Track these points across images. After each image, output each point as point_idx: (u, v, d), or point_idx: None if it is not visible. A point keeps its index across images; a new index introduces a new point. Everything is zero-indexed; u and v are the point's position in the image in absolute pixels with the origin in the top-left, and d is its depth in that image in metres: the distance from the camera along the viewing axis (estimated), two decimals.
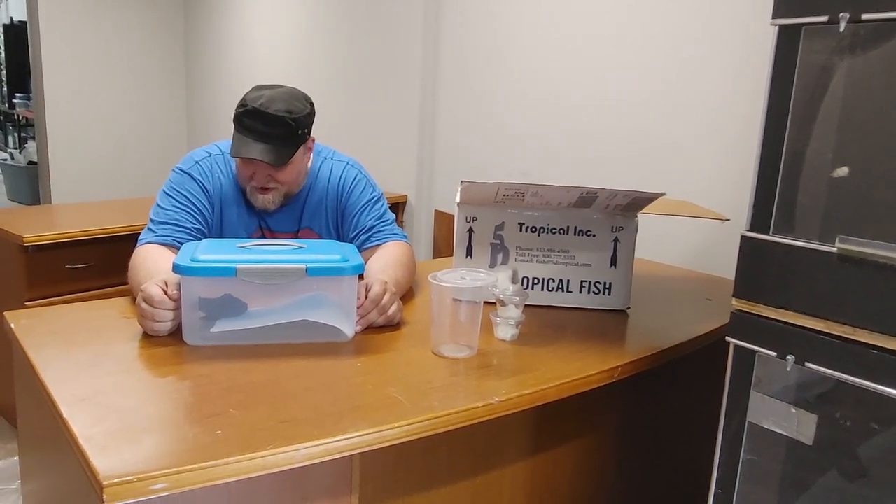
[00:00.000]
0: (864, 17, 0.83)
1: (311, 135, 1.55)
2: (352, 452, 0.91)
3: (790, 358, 0.94)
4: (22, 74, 6.28)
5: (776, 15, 0.92)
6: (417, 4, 2.94)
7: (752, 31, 1.85)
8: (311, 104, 1.52)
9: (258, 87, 1.50)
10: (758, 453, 1.02)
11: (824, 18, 0.87)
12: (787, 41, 0.91)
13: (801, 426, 0.96)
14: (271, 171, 1.48)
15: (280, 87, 1.51)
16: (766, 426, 0.99)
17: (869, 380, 0.87)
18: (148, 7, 4.77)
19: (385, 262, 1.48)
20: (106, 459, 0.80)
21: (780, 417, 0.98)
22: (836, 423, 0.96)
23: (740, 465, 1.03)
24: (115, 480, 0.76)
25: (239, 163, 1.50)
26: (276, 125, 1.43)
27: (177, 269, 1.13)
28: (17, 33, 6.39)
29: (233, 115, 1.47)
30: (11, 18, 7.25)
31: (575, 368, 1.16)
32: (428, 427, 0.96)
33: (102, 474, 0.77)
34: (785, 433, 0.98)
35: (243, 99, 1.47)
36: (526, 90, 2.56)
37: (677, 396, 1.52)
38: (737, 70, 1.91)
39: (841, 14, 0.85)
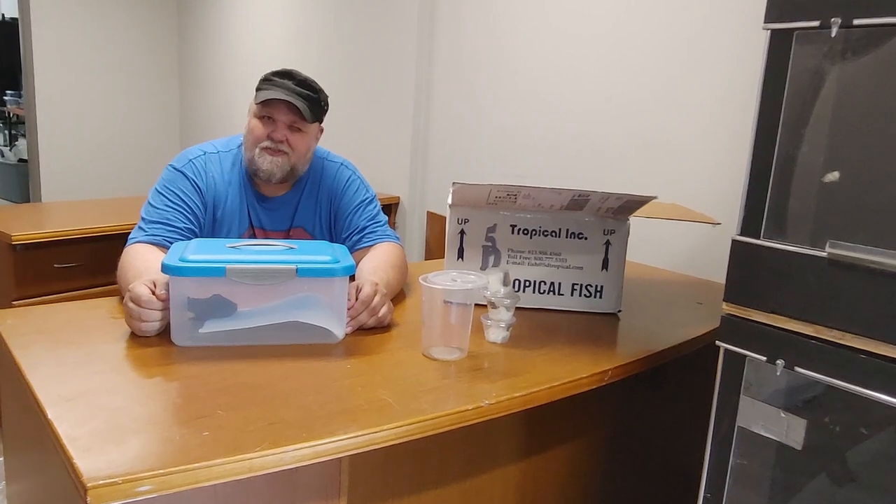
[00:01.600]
0: (856, 22, 0.84)
1: (322, 125, 1.62)
2: (341, 455, 0.91)
3: (780, 362, 0.94)
4: (13, 72, 6.23)
5: (768, 19, 0.92)
6: (412, 4, 2.94)
7: (746, 35, 1.86)
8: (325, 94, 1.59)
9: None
10: (747, 457, 1.02)
11: (816, 23, 0.87)
12: (779, 46, 0.91)
13: (790, 431, 0.96)
14: (288, 134, 1.51)
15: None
16: (755, 430, 1.00)
17: (858, 385, 0.87)
18: (141, 5, 4.75)
19: (376, 264, 1.47)
20: (91, 461, 0.79)
21: (769, 422, 0.98)
22: (825, 428, 0.96)
23: (730, 469, 1.03)
24: (100, 482, 0.75)
25: (256, 124, 1.52)
26: (304, 86, 1.52)
27: (165, 268, 1.12)
28: (9, 30, 6.34)
29: (257, 84, 1.54)
30: (3, 15, 7.19)
31: (566, 371, 1.15)
32: (418, 430, 0.96)
33: (87, 476, 0.76)
34: (774, 437, 0.98)
35: (268, 71, 1.55)
36: (520, 92, 2.56)
37: (667, 400, 1.52)
38: (731, 74, 1.92)
39: (833, 19, 0.85)
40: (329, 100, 1.59)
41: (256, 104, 1.52)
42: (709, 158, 1.99)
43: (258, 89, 1.53)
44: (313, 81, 1.55)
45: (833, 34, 0.86)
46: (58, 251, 2.30)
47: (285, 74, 1.53)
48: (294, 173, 1.56)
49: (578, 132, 2.35)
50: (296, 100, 1.49)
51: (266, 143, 1.50)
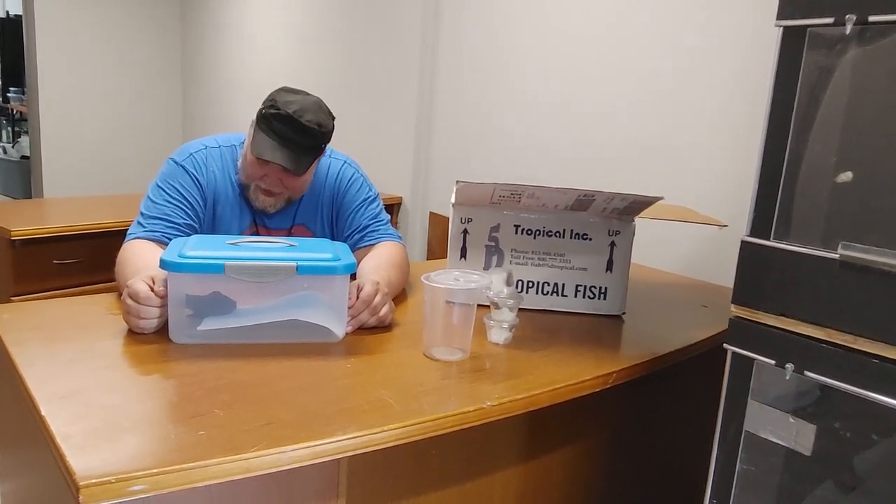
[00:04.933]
0: (872, 19, 0.82)
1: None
2: (339, 456, 0.89)
3: (789, 366, 0.92)
4: (17, 68, 6.24)
5: (781, 16, 0.90)
6: (416, 5, 2.93)
7: (754, 33, 1.84)
8: (334, 119, 1.51)
9: (287, 91, 1.48)
10: (754, 463, 1.00)
11: (830, 20, 0.85)
12: (792, 43, 0.90)
13: (799, 436, 0.94)
14: (283, 177, 1.46)
15: (308, 94, 1.49)
16: (763, 435, 0.98)
17: (870, 390, 0.85)
18: (144, 2, 4.74)
19: (378, 262, 1.46)
20: (84, 459, 0.77)
21: (777, 427, 0.96)
22: (835, 434, 0.94)
23: (736, 474, 1.01)
24: (93, 481, 0.73)
25: (253, 161, 1.46)
26: (305, 135, 1.42)
27: (164, 265, 1.10)
28: (13, 27, 6.34)
29: (258, 113, 1.45)
30: (7, 12, 7.20)
31: (569, 373, 1.14)
32: (418, 431, 0.94)
33: (79, 474, 0.74)
34: (783, 443, 0.96)
35: (273, 101, 1.44)
36: (523, 93, 2.54)
37: (672, 404, 1.50)
38: (737, 73, 1.90)
39: (847, 16, 0.83)
40: (337, 119, 1.53)
41: (251, 154, 1.44)
42: (714, 159, 1.97)
43: (258, 127, 1.44)
44: (317, 124, 1.42)
45: (847, 31, 0.84)
46: (57, 247, 2.29)
47: (287, 120, 1.40)
48: (291, 201, 1.55)
49: (581, 133, 2.34)
50: (288, 158, 1.41)
51: (260, 184, 1.48)
